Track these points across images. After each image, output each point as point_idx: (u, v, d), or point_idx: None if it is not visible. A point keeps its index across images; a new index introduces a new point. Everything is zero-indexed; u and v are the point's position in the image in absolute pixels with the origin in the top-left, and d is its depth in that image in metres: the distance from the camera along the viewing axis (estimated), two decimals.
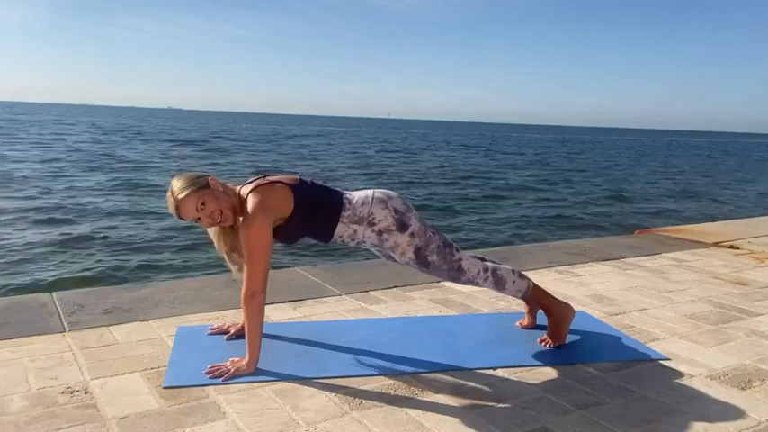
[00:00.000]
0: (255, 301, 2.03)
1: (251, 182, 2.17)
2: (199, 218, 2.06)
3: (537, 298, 2.45)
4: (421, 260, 2.24)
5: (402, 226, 2.20)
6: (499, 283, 2.36)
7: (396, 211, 2.20)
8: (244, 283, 2.04)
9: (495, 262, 2.39)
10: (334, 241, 2.22)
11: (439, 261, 2.25)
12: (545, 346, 2.40)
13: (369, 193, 2.24)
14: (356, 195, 2.23)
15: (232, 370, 2.04)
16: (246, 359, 2.07)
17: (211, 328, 2.46)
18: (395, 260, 2.31)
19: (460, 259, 2.29)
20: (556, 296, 2.51)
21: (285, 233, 2.16)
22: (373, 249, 2.34)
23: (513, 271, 2.39)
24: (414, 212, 2.26)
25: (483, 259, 2.37)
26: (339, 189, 2.26)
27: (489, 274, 2.34)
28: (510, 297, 2.61)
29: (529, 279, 2.43)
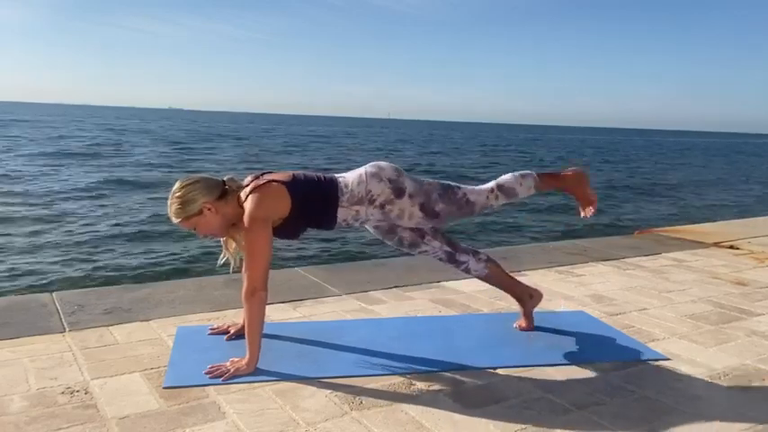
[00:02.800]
0: (256, 298, 2.04)
1: (249, 182, 2.19)
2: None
3: (547, 183, 2.42)
4: (430, 214, 2.26)
5: (399, 192, 2.22)
6: (510, 194, 2.37)
7: (390, 180, 2.22)
8: (244, 281, 2.05)
9: (494, 181, 2.38)
10: (338, 225, 2.23)
11: (447, 207, 2.27)
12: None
13: (361, 171, 2.24)
14: (350, 177, 2.23)
15: (232, 370, 2.04)
16: (246, 358, 2.07)
17: (211, 329, 2.45)
18: (398, 236, 2.36)
19: (465, 194, 2.31)
20: (557, 298, 2.52)
21: (287, 230, 2.19)
22: (375, 231, 2.38)
23: (514, 176, 2.38)
24: (405, 175, 2.27)
25: (483, 186, 2.37)
26: (331, 175, 2.26)
27: (498, 192, 2.35)
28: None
29: (530, 172, 2.41)
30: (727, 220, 6.83)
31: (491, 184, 2.38)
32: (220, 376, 2.01)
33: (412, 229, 2.36)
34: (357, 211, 2.20)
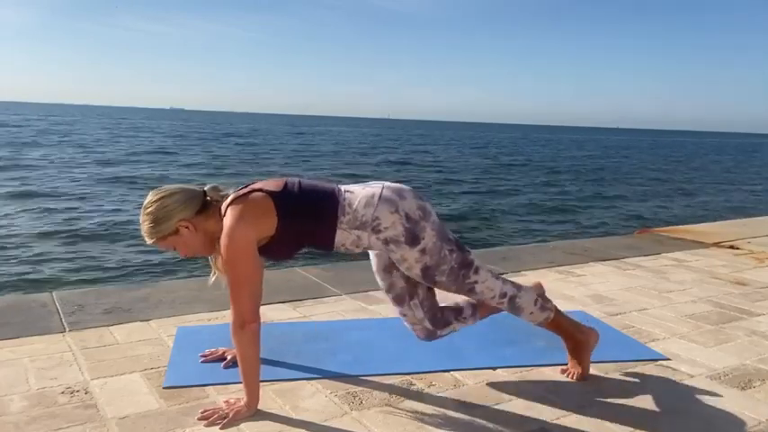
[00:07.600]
0: (247, 331, 1.73)
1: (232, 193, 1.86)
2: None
3: (556, 324, 2.12)
4: (428, 278, 1.92)
5: (413, 239, 1.84)
6: (514, 311, 2.05)
7: (407, 217, 1.83)
8: (231, 313, 1.75)
9: (518, 287, 2.05)
10: (337, 249, 1.89)
11: (448, 282, 1.93)
12: (568, 377, 2.14)
13: (375, 190, 1.86)
14: (358, 195, 1.85)
15: (231, 415, 1.74)
16: (245, 399, 1.79)
17: (203, 355, 2.19)
18: (392, 279, 2.03)
19: (475, 282, 1.95)
20: (557, 298, 2.50)
21: (276, 249, 1.85)
22: (373, 260, 2.07)
23: (535, 301, 2.05)
24: (431, 220, 1.88)
25: (506, 282, 2.04)
26: (335, 187, 1.91)
27: (506, 300, 2.02)
28: None
29: (550, 311, 2.08)
30: (727, 220, 6.84)
31: (509, 289, 2.01)
32: (217, 424, 1.73)
33: (408, 281, 2.01)
34: (358, 236, 1.84)
